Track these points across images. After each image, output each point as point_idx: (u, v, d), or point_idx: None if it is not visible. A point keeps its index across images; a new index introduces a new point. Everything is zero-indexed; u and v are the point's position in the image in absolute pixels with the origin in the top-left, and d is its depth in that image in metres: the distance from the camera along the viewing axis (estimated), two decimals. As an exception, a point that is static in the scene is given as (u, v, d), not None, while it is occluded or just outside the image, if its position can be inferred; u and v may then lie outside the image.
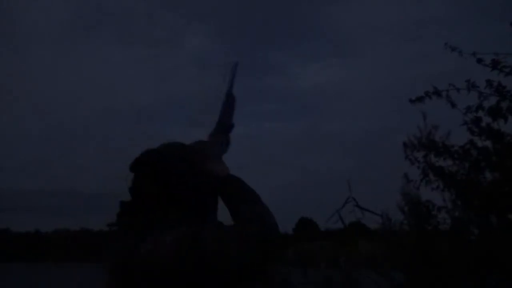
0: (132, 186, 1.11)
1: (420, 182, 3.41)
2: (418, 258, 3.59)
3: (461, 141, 3.12)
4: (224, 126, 1.37)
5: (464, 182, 3.15)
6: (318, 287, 5.09)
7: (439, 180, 3.26)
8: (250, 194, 1.14)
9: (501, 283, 2.92)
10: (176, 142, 1.22)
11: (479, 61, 2.91)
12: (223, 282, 0.96)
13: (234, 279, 0.97)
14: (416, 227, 3.73)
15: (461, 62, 2.98)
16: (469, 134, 3.07)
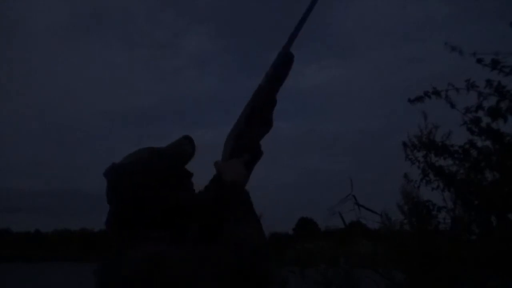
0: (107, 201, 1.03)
1: (420, 182, 3.41)
2: (418, 258, 3.59)
3: (461, 141, 3.12)
4: (265, 100, 1.04)
5: (464, 182, 3.15)
6: (318, 287, 5.08)
7: (439, 180, 3.26)
8: (247, 215, 0.99)
9: (501, 283, 2.92)
10: (144, 149, 1.05)
11: (479, 61, 2.90)
12: None
13: None
14: (416, 227, 3.74)
15: (460, 63, 2.98)
16: (469, 134, 3.07)
